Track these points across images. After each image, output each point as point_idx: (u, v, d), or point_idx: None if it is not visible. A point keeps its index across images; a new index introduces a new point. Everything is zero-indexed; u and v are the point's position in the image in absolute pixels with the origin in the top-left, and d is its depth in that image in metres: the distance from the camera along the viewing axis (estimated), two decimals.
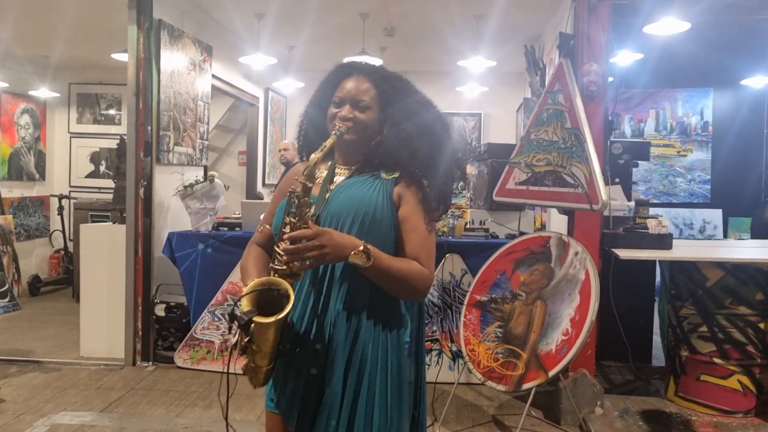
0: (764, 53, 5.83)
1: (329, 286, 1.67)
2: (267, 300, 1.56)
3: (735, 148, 6.67)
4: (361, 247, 1.57)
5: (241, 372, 1.65)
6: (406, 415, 1.72)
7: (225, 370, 1.60)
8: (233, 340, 1.57)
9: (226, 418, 1.65)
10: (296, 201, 1.59)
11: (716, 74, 6.50)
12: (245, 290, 1.58)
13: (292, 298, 1.53)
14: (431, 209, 1.73)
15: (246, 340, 1.54)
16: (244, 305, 1.54)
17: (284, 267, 1.56)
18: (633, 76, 6.18)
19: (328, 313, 1.66)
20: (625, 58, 5.27)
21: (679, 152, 6.96)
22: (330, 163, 1.78)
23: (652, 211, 4.43)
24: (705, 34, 4.97)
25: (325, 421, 1.63)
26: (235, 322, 1.51)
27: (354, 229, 1.65)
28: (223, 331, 4.45)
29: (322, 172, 1.76)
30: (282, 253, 1.56)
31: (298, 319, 1.68)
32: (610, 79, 4.53)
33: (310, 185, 1.60)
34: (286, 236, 1.55)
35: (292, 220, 1.59)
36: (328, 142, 1.65)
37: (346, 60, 1.87)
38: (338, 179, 1.76)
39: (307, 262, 1.56)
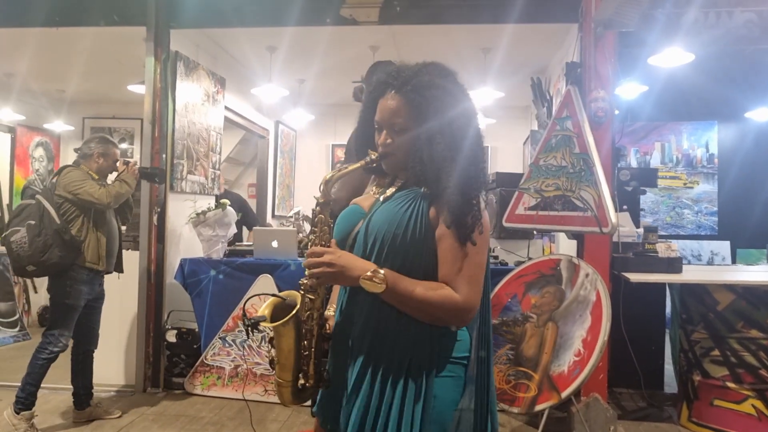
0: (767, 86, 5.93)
1: (362, 298, 1.62)
2: (285, 312, 1.63)
3: (741, 180, 6.74)
4: (371, 271, 1.51)
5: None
6: None
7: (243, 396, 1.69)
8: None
9: None
10: (315, 218, 1.64)
11: (720, 107, 6.60)
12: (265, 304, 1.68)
13: (297, 306, 1.60)
14: (467, 225, 1.54)
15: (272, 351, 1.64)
16: (261, 314, 1.65)
17: (306, 282, 1.62)
18: (638, 108, 6.27)
19: (356, 325, 1.63)
20: (630, 90, 5.37)
21: (685, 184, 7.01)
22: (387, 180, 1.74)
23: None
24: (709, 66, 5.08)
25: None
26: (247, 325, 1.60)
27: (375, 249, 1.58)
28: (234, 357, 4.45)
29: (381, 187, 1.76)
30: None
31: (335, 328, 1.71)
32: (616, 111, 4.61)
33: (322, 201, 1.63)
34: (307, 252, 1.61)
35: (314, 237, 1.64)
36: (352, 167, 1.64)
37: (378, 61, 1.79)
38: (389, 193, 1.69)
39: (317, 279, 1.58)
